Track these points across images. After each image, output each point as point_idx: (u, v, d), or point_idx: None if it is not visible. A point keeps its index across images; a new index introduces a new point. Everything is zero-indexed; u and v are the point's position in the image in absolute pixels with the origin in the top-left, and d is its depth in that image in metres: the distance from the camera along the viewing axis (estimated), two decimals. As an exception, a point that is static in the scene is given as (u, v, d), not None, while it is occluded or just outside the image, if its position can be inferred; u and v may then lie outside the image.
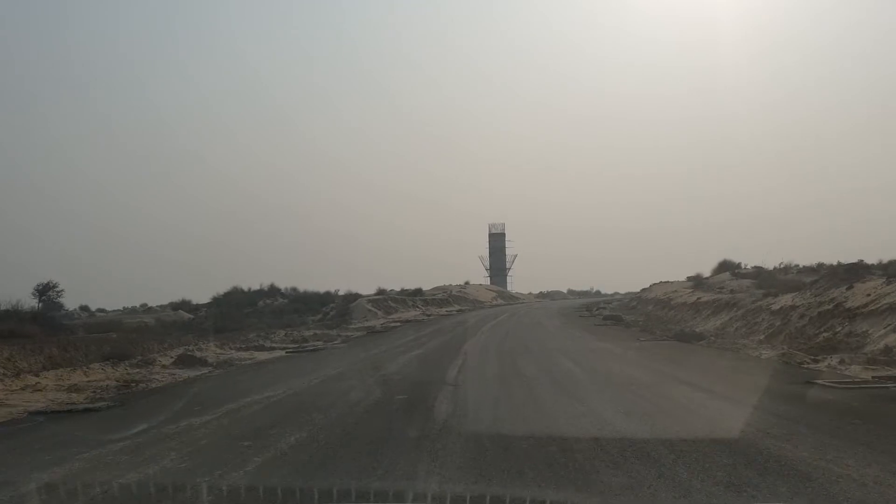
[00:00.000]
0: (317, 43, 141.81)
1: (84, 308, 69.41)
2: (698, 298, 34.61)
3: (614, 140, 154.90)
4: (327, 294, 66.96)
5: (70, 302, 63.05)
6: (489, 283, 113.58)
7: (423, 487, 6.60)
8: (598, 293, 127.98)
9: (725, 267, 62.45)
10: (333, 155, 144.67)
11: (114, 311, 70.00)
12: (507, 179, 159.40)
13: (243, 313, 57.86)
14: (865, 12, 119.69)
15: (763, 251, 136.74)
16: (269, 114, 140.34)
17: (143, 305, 70.32)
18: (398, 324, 41.50)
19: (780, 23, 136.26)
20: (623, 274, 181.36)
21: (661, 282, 72.38)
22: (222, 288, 65.65)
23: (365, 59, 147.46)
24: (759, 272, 49.06)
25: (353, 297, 61.34)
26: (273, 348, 24.56)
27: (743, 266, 59.43)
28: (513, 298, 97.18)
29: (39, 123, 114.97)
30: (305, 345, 26.53)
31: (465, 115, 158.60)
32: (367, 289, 65.32)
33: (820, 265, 49.98)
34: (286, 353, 23.76)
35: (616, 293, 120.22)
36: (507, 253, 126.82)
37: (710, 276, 58.94)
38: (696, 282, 54.39)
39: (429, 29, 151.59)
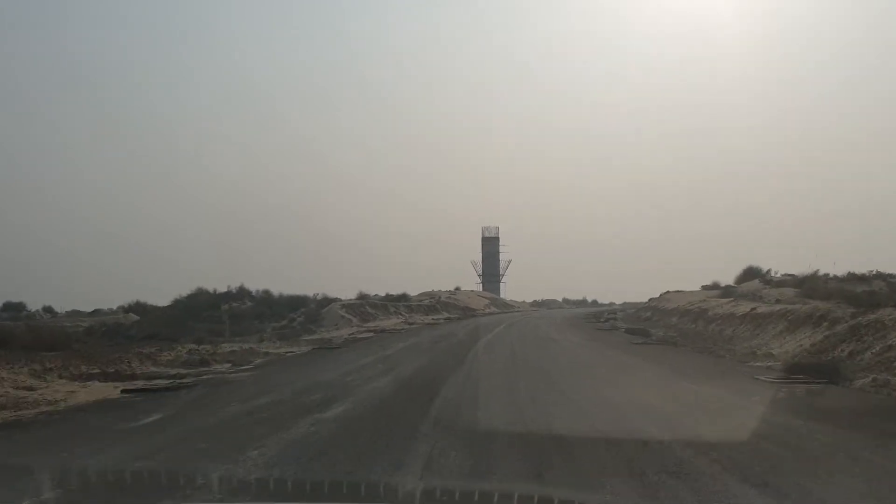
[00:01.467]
0: (315, 45, 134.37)
1: (48, 309, 63.67)
2: (753, 309, 27.04)
3: (608, 151, 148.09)
4: (300, 298, 59.22)
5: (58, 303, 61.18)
6: (481, 289, 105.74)
7: None
8: (594, 303, 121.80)
9: (751, 273, 55.84)
10: (330, 157, 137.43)
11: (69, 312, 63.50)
12: (501, 185, 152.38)
13: (201, 317, 50.93)
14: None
15: (784, 260, 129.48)
16: (266, 116, 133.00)
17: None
18: (371, 334, 33.84)
19: (791, 25, 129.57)
20: (616, 284, 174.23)
21: (673, 291, 66.02)
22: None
23: (362, 62, 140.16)
24: (802, 280, 41.92)
25: (327, 302, 53.69)
26: (132, 376, 16.32)
27: (774, 273, 52.73)
28: (507, 306, 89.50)
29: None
30: (183, 379, 16.74)
31: (462, 121, 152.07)
32: (351, 293, 57.72)
33: (873, 273, 42.86)
34: (121, 394, 14.16)
35: (612, 303, 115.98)
36: (500, 258, 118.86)
37: (736, 284, 52.52)
38: (725, 290, 47.29)
39: (426, 36, 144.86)
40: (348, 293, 58.88)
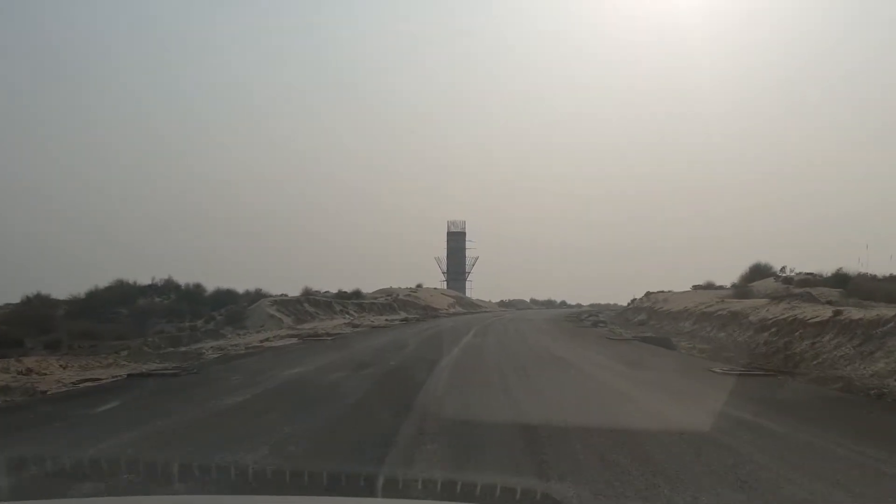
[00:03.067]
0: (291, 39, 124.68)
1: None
2: (837, 314, 18.60)
3: (577, 152, 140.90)
4: (231, 293, 50.05)
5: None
6: (446, 287, 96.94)
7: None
8: (563, 304, 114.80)
9: (759, 272, 48.08)
10: (296, 150, 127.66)
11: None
12: (469, 178, 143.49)
13: (107, 313, 42.54)
14: None
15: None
16: (236, 108, 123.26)
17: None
18: (294, 340, 24.85)
19: (790, 25, 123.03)
20: (582, 286, 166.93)
21: (657, 291, 58.19)
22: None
23: (336, 58, 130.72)
24: (840, 279, 34.17)
25: (257, 297, 44.62)
26: None
27: (790, 271, 45.14)
28: (473, 306, 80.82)
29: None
30: None
31: (430, 112, 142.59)
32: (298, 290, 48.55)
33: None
34: None
35: (579, 304, 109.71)
36: (466, 255, 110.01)
37: (741, 284, 45.03)
38: (740, 290, 39.24)
39: (399, 36, 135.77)
40: (296, 290, 49.99)
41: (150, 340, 26.16)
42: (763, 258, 56.17)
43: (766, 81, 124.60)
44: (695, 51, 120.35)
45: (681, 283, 68.36)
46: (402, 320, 43.96)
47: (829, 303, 23.88)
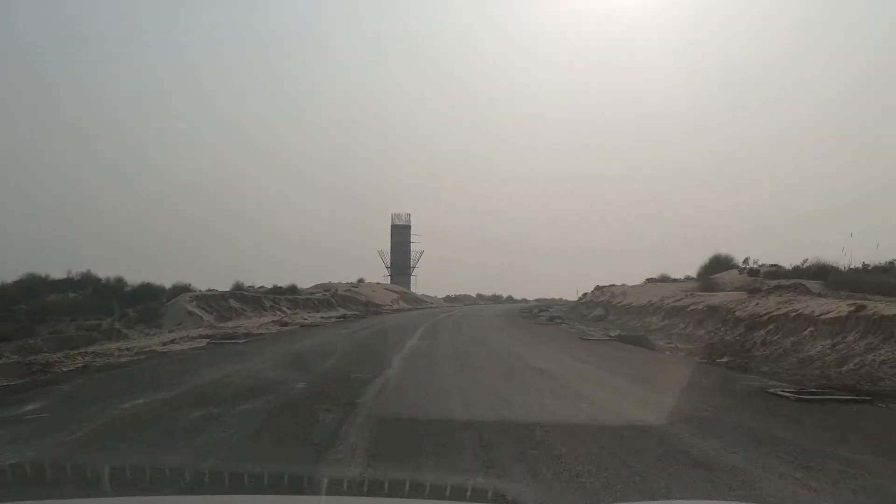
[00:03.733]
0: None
1: None
2: (858, 310, 15.48)
3: (524, 146, 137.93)
4: (154, 288, 45.79)
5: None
6: (390, 282, 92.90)
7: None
8: (510, 299, 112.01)
9: (720, 263, 45.49)
10: (246, 135, 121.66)
11: None
12: (414, 170, 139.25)
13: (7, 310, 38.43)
14: None
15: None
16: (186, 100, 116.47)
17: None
18: (201, 343, 20.68)
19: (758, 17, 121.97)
20: (528, 280, 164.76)
21: (610, 284, 54.81)
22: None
23: (281, 44, 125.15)
24: (818, 271, 31.53)
25: (177, 292, 40.16)
26: None
27: (754, 263, 42.66)
28: (419, 302, 77.03)
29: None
30: None
31: (374, 98, 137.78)
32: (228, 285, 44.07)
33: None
34: None
35: (525, 299, 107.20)
36: (411, 248, 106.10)
37: (701, 277, 42.54)
38: (705, 283, 36.40)
39: (356, 26, 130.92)
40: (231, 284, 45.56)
41: (32, 343, 21.80)
42: (712, 251, 53.97)
43: (708, 78, 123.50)
44: (645, 46, 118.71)
45: (628, 277, 65.87)
46: (339, 318, 39.94)
47: (818, 295, 20.90)
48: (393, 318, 40.59)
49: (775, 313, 19.08)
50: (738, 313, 21.40)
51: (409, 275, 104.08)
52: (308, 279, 64.09)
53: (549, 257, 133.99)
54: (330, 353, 17.00)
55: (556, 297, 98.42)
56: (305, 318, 37.92)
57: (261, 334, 24.79)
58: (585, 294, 61.41)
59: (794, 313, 18.03)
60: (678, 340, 21.69)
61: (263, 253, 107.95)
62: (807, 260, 38.67)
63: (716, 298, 25.94)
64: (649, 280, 54.11)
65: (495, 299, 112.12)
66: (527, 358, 16.43)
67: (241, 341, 20.91)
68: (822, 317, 16.45)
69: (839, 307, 16.51)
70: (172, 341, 21.25)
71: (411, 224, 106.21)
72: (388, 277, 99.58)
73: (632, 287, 45.09)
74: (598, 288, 59.79)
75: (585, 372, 13.94)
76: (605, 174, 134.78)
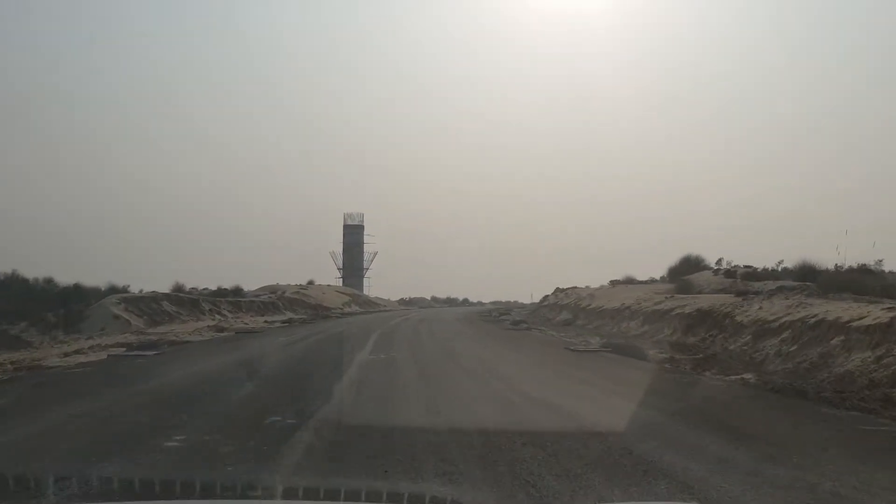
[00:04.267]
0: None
1: None
2: (861, 318, 13.01)
3: (478, 151, 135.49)
4: (79, 290, 41.66)
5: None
6: (342, 284, 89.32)
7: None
8: (465, 302, 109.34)
9: (691, 264, 43.33)
10: (194, 131, 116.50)
11: None
12: (368, 168, 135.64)
13: None
14: None
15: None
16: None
17: None
18: (114, 351, 17.24)
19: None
20: (482, 283, 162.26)
21: (571, 287, 52.28)
22: None
23: (228, 41, 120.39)
24: (807, 273, 29.44)
25: (111, 294, 36.45)
26: None
27: (727, 264, 40.59)
28: (372, 305, 73.76)
29: None
30: None
31: (329, 106, 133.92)
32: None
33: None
34: None
35: (480, 302, 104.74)
36: (365, 249, 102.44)
37: (674, 277, 40.37)
38: (681, 284, 33.92)
39: (295, 24, 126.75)
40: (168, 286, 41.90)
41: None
42: (676, 252, 52.11)
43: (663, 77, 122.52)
44: (595, 45, 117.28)
45: (586, 279, 63.59)
46: (284, 322, 36.56)
47: (831, 298, 18.48)
48: (343, 322, 37.36)
49: (787, 319, 16.46)
50: (738, 318, 18.78)
51: (362, 277, 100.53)
52: (256, 281, 60.57)
53: (503, 260, 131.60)
54: (253, 372, 13.45)
55: (512, 299, 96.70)
56: (246, 323, 34.53)
57: (187, 342, 21.43)
58: (546, 297, 59.10)
59: (812, 319, 15.40)
60: (670, 349, 18.97)
61: (210, 254, 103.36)
62: (782, 261, 36.76)
63: (703, 301, 23.38)
64: (614, 282, 51.87)
65: (450, 302, 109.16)
66: (520, 383, 12.16)
67: (150, 354, 17.27)
68: (853, 324, 13.80)
69: (872, 312, 13.91)
70: (79, 351, 17.85)
71: (364, 224, 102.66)
72: (341, 279, 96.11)
73: (598, 289, 42.53)
74: (559, 290, 57.47)
75: (620, 410, 9.08)
76: (561, 176, 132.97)
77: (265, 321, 36.82)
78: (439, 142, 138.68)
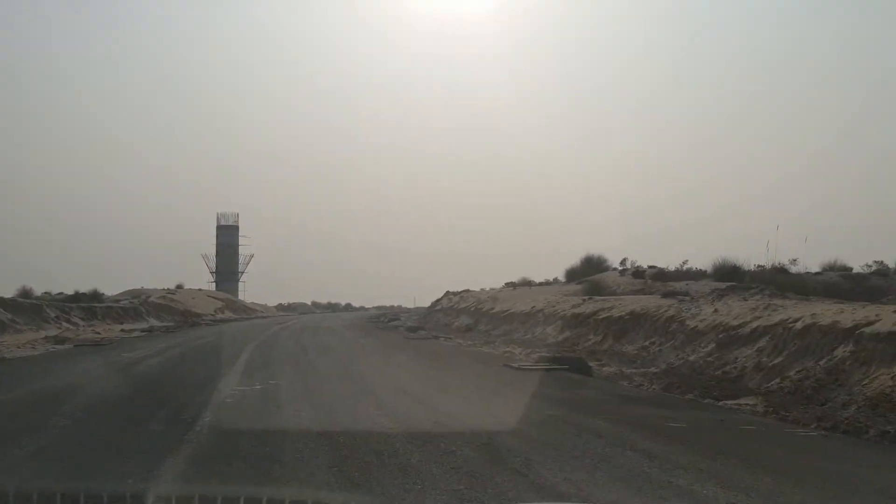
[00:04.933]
0: None
1: None
2: (862, 322, 10.36)
3: (356, 151, 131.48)
4: None
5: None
6: (215, 288, 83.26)
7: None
8: (349, 307, 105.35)
9: (593, 264, 41.36)
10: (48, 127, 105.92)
11: None
12: (243, 163, 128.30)
13: None
14: None
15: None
16: None
17: None
18: None
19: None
20: (365, 288, 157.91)
21: (464, 290, 50.54)
22: None
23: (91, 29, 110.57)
24: (735, 271, 27.80)
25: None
26: None
27: (631, 264, 38.90)
28: (247, 311, 68.48)
29: None
30: None
31: (203, 97, 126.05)
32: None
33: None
34: None
35: (363, 307, 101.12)
36: (240, 252, 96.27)
37: (576, 278, 38.35)
38: (590, 285, 31.39)
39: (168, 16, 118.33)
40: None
41: None
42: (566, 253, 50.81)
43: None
44: (479, 48, 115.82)
45: (475, 282, 61.45)
46: (144, 331, 31.61)
47: (804, 300, 16.10)
48: (213, 331, 32.77)
49: (760, 324, 13.74)
50: (690, 323, 15.98)
51: (237, 281, 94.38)
52: (121, 285, 54.57)
53: (386, 264, 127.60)
54: (54, 414, 8.83)
55: (395, 304, 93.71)
56: (98, 332, 29.46)
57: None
58: (438, 300, 56.20)
59: (797, 324, 12.65)
60: (621, 363, 15.93)
61: (68, 255, 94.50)
62: (686, 261, 34.98)
63: (631, 303, 20.65)
64: (510, 284, 49.71)
65: (332, 307, 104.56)
66: (516, 456, 6.79)
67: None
68: (862, 330, 11.05)
69: (876, 314, 11.24)
70: None
71: (240, 225, 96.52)
72: (214, 284, 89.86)
73: (500, 291, 39.70)
74: (451, 294, 54.75)
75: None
76: (442, 179, 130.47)
77: (122, 330, 31.75)
78: (319, 141, 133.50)
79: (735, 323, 14.46)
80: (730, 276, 25.30)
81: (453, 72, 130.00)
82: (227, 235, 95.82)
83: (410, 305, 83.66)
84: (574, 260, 42.69)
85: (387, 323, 43.49)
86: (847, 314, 12.01)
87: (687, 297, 19.48)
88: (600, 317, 20.60)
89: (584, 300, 24.57)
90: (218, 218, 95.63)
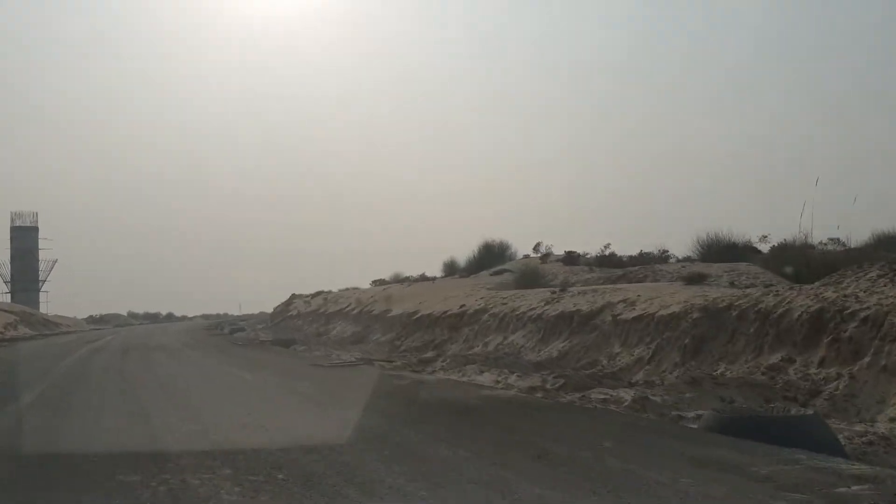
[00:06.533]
0: None
1: None
2: None
3: (171, 146, 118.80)
4: None
5: None
6: (10, 300, 71.17)
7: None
8: (171, 317, 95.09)
9: (494, 252, 36.99)
10: None
11: None
12: (44, 154, 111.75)
13: None
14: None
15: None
16: None
17: None
18: None
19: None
20: (184, 296, 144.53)
21: (317, 292, 45.64)
22: None
23: None
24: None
25: None
26: None
27: (542, 249, 32.59)
28: (50, 325, 56.25)
29: None
30: None
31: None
32: None
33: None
34: None
35: (185, 316, 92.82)
36: (41, 257, 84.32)
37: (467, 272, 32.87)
38: (520, 275, 24.09)
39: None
40: None
41: None
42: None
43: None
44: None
45: (319, 284, 54.48)
46: None
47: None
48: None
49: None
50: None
51: (38, 290, 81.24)
52: None
53: (207, 269, 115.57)
54: None
55: (221, 312, 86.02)
56: None
57: None
58: (288, 305, 48.74)
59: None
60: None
61: None
62: (609, 244, 28.45)
63: (675, 294, 13.06)
64: (376, 282, 42.70)
65: (153, 318, 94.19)
66: None
67: None
68: None
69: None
70: None
71: (39, 226, 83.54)
72: (9, 294, 77.47)
73: (390, 289, 31.48)
74: (302, 297, 47.10)
75: None
76: (262, 174, 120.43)
77: None
78: (130, 139, 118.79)
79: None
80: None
81: (276, 65, 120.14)
82: (25, 238, 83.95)
83: (237, 312, 77.10)
84: (448, 254, 36.52)
85: (234, 336, 34.11)
86: None
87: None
88: (625, 317, 12.85)
89: (554, 293, 16.88)
90: (12, 217, 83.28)
